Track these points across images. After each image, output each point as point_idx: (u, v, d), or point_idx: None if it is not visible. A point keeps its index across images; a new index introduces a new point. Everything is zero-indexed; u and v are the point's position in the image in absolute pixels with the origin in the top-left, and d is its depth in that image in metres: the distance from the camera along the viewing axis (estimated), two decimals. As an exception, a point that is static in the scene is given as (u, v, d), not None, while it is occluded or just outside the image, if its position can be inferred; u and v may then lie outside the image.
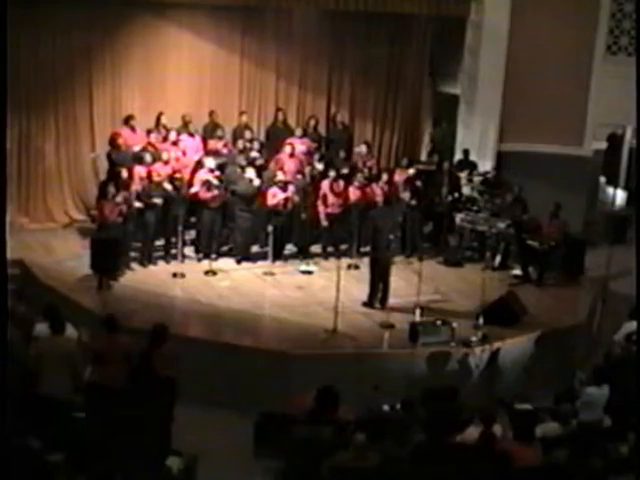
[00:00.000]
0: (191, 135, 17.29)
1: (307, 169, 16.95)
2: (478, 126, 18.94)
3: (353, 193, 16.59)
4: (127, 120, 17.12)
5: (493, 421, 9.88)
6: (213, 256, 16.02)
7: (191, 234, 16.51)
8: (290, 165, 16.94)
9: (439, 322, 13.61)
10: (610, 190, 20.02)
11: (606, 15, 18.78)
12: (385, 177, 16.93)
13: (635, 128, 18.74)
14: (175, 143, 16.90)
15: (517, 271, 16.54)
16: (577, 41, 18.61)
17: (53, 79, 17.25)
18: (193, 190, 15.99)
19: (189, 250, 16.30)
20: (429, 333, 13.42)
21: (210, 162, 16.29)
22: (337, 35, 19.23)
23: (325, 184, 16.59)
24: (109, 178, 16.21)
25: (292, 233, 16.79)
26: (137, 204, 15.42)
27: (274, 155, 17.34)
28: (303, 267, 16.19)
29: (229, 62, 18.61)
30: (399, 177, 17.29)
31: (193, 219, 16.52)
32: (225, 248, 16.55)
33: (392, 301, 14.53)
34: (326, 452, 8.69)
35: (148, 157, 16.08)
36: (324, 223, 16.49)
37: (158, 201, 15.65)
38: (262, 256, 16.26)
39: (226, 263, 16.17)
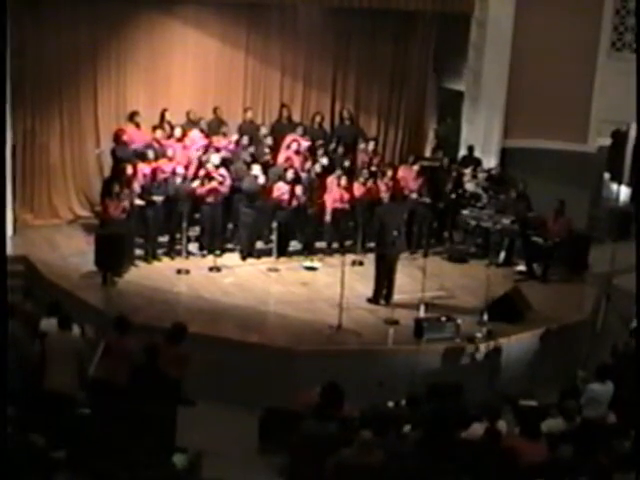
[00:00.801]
0: (202, 131, 17.24)
1: (311, 165, 16.88)
2: (482, 122, 18.92)
3: (357, 189, 16.55)
4: (132, 116, 17.10)
5: (498, 417, 9.85)
6: (217, 252, 15.99)
7: (196, 230, 16.47)
8: (295, 162, 16.90)
9: (444, 318, 13.57)
10: (614, 186, 19.93)
11: (610, 12, 18.75)
12: (390, 173, 16.87)
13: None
14: (180, 139, 16.85)
15: (522, 267, 16.50)
16: (581, 38, 18.55)
17: (58, 75, 17.21)
18: (193, 185, 15.95)
19: (193, 246, 16.27)
20: (434, 329, 13.39)
21: (215, 158, 16.25)
22: (342, 32, 19.22)
23: (330, 180, 16.55)
24: (113, 175, 16.20)
25: (296, 229, 16.75)
26: (138, 201, 15.37)
27: (279, 151, 17.31)
28: (307, 263, 16.14)
29: (234, 58, 18.58)
30: (403, 173, 17.25)
31: (197, 215, 16.48)
32: (230, 245, 16.53)
33: (397, 297, 14.49)
34: (331, 448, 8.65)
35: (151, 154, 16.05)
36: (328, 218, 16.43)
37: (158, 199, 15.61)
38: (267, 252, 16.25)
39: (230, 259, 16.14)
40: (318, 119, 18.43)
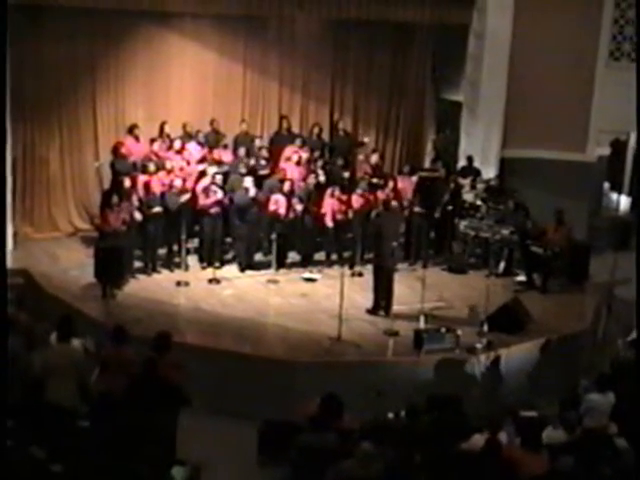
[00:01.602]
0: (200, 144, 17.24)
1: (309, 177, 16.87)
2: (481, 133, 18.91)
3: (356, 200, 16.53)
4: (131, 129, 17.11)
5: (499, 428, 9.82)
6: (217, 264, 15.98)
7: (195, 242, 16.45)
8: (295, 173, 16.91)
9: (443, 329, 13.55)
10: (614, 196, 19.93)
11: (609, 21, 18.74)
12: (392, 184, 16.84)
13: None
14: (179, 152, 16.85)
15: (521, 277, 16.48)
16: (580, 47, 18.55)
17: (57, 88, 17.25)
18: (197, 194, 15.93)
19: (193, 259, 16.25)
20: (433, 340, 13.37)
21: (213, 170, 16.26)
22: (340, 43, 19.27)
23: (329, 192, 16.54)
24: (113, 187, 16.19)
25: (295, 241, 16.75)
26: (137, 215, 15.36)
27: (277, 163, 17.32)
28: (307, 275, 16.13)
29: (232, 70, 18.61)
30: (402, 184, 17.24)
31: (197, 228, 16.46)
32: (229, 256, 16.52)
33: (396, 308, 14.46)
34: (330, 460, 8.62)
35: (152, 166, 16.04)
36: (329, 223, 16.39)
37: (158, 210, 15.61)
38: (266, 264, 16.24)
39: (230, 271, 16.13)
40: (316, 130, 18.46)
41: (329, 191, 16.47)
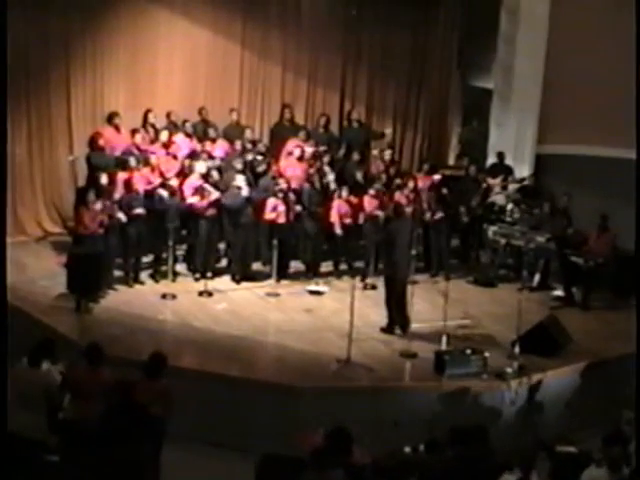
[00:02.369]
0: (188, 136, 17.27)
1: (314, 175, 16.90)
2: (514, 125, 18.97)
3: (369, 203, 16.53)
4: (110, 118, 17.11)
5: (532, 466, 9.80)
6: (209, 274, 16.00)
7: (183, 249, 16.48)
8: (297, 170, 16.93)
9: (469, 351, 13.55)
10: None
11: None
12: (412, 184, 16.83)
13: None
14: (166, 145, 16.87)
15: (559, 292, 16.51)
16: (625, 32, 18.51)
17: (25, 72, 17.23)
18: (189, 200, 15.95)
19: (181, 267, 16.27)
20: (457, 363, 13.35)
21: (201, 166, 16.28)
22: (352, 21, 19.29)
23: (337, 194, 16.56)
24: (89, 185, 16.18)
25: (298, 248, 16.76)
26: (120, 215, 15.38)
27: (278, 159, 17.35)
28: (312, 287, 16.16)
29: (228, 52, 18.71)
30: (422, 184, 17.25)
31: (184, 232, 16.48)
32: (222, 265, 16.55)
33: (415, 327, 14.46)
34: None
35: (133, 161, 16.05)
36: (338, 231, 16.44)
37: (141, 211, 15.64)
38: (265, 275, 16.26)
39: (223, 282, 16.16)
40: (323, 121, 18.47)
41: (337, 193, 16.50)
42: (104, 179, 15.68)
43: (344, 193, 16.54)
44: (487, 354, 13.49)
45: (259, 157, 17.23)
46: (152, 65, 18.16)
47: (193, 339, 14.24)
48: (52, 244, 17.36)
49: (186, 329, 14.52)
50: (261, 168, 17.02)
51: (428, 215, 16.88)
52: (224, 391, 12.89)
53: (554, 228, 16.67)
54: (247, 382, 13.04)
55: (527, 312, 14.39)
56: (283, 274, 16.27)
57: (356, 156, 17.93)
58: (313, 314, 15.29)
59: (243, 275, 16.28)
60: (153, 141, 16.99)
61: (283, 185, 16.27)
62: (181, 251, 16.52)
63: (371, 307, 15.06)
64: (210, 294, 15.63)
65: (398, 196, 16.59)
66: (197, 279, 16.10)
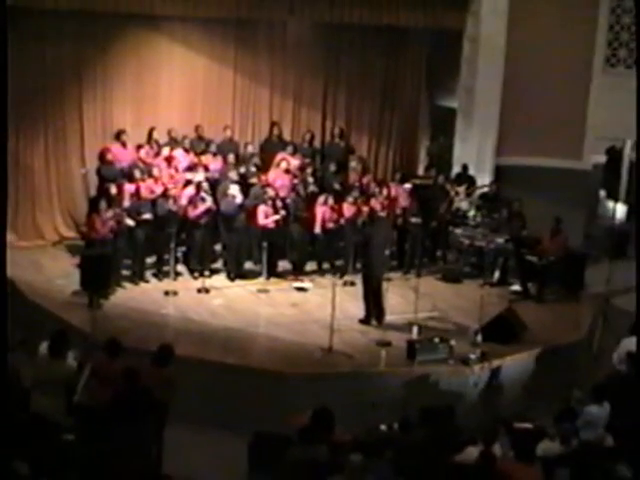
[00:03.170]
0: (186, 151, 17.23)
1: (299, 185, 16.91)
2: (476, 140, 18.92)
3: (347, 209, 16.54)
4: (118, 135, 17.08)
5: (494, 441, 9.82)
6: (206, 273, 15.98)
7: (182, 251, 16.43)
8: (285, 181, 16.92)
9: (437, 339, 13.55)
10: (610, 204, 19.98)
11: (604, 27, 18.79)
12: (385, 192, 16.85)
13: (635, 141, 18.72)
14: (168, 159, 16.84)
15: (516, 287, 16.52)
16: (575, 53, 18.62)
17: (42, 93, 17.20)
18: (182, 204, 15.93)
19: (182, 267, 16.25)
20: (427, 351, 13.36)
21: (199, 177, 16.27)
22: (332, 47, 19.28)
23: (321, 200, 16.55)
24: (100, 194, 16.16)
25: (285, 249, 16.76)
26: (128, 221, 15.35)
27: (268, 170, 17.33)
28: (298, 284, 16.14)
29: (222, 75, 18.63)
30: (395, 191, 17.25)
31: (183, 236, 16.44)
32: (218, 265, 16.52)
33: (389, 318, 14.48)
34: (321, 474, 8.61)
35: (138, 173, 16.03)
36: (317, 230, 16.43)
37: (148, 216, 15.61)
38: (256, 273, 16.24)
39: (219, 280, 16.13)
40: (308, 137, 18.47)
41: (321, 199, 16.52)
42: (114, 189, 15.67)
43: (330, 200, 16.53)
44: (453, 342, 13.51)
45: (253, 169, 17.22)
46: (155, 87, 18.08)
47: (193, 331, 14.21)
48: (67, 247, 17.28)
49: (186, 322, 14.49)
50: (254, 179, 17.01)
51: (401, 220, 16.89)
52: (219, 377, 12.87)
53: (511, 230, 16.71)
54: (241, 369, 13.02)
55: (488, 305, 14.48)
56: (272, 272, 16.25)
57: (332, 167, 17.91)
58: (299, 308, 15.27)
59: (237, 274, 16.27)
60: (156, 155, 16.94)
61: (271, 193, 16.28)
62: (180, 253, 16.43)
63: (350, 301, 15.01)
64: (207, 291, 15.59)
65: (373, 202, 16.62)
66: (196, 278, 16.06)
